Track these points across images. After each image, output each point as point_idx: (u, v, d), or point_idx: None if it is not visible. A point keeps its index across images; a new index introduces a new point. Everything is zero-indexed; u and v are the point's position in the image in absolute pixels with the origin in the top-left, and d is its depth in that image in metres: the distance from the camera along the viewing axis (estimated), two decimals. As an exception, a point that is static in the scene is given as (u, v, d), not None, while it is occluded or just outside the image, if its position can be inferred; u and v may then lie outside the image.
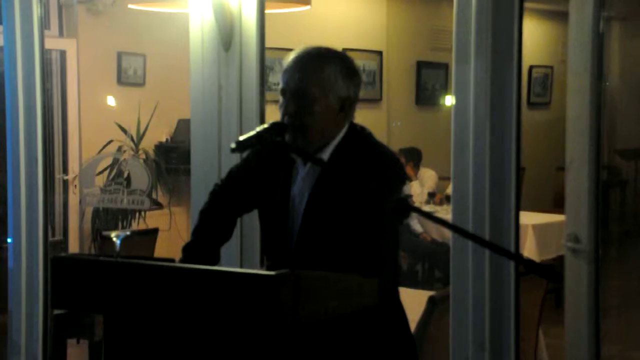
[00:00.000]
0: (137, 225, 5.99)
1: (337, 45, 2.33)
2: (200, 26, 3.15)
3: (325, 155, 2.20)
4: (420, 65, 8.55)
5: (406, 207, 1.82)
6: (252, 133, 2.12)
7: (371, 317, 2.09)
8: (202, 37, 3.15)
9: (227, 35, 3.09)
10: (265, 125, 2.15)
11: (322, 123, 2.18)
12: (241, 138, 2.11)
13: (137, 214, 5.97)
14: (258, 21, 3.07)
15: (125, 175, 4.63)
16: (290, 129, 2.16)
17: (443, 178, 7.15)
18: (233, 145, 2.10)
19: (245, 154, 2.35)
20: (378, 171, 2.13)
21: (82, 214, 6.20)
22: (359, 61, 2.30)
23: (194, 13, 3.17)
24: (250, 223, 2.98)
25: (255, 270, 2.11)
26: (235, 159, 2.67)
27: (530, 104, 9.57)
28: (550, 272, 1.74)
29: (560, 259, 5.43)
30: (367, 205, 2.05)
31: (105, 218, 6.00)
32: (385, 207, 1.89)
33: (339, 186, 2.11)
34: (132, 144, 6.13)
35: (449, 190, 7.01)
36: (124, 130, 6.05)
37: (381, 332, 2.17)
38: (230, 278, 1.87)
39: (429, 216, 1.96)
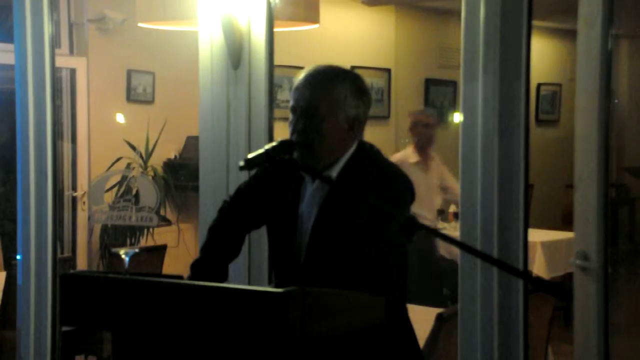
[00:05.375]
0: (145, 241, 6.00)
1: (346, 62, 2.35)
2: (209, 44, 3.17)
3: (334, 172, 2.21)
4: (429, 83, 8.57)
5: (415, 224, 1.82)
6: (260, 151, 2.13)
7: (380, 334, 2.08)
8: (211, 55, 3.17)
9: (236, 53, 3.11)
10: (274, 143, 2.16)
11: (331, 141, 2.19)
12: (250, 155, 2.12)
13: (146, 231, 5.99)
14: (267, 39, 3.09)
15: (134, 192, 4.64)
16: (299, 146, 2.17)
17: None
18: (242, 163, 2.11)
19: (253, 172, 2.36)
20: (386, 188, 2.13)
21: (90, 231, 6.22)
22: (367, 78, 2.32)
23: (203, 31, 3.20)
24: (259, 240, 2.98)
25: (264, 287, 2.12)
26: (244, 176, 2.68)
27: (539, 121, 9.56)
28: (559, 289, 1.74)
29: (569, 277, 5.41)
30: (375, 223, 2.05)
31: (113, 235, 6.01)
32: (393, 225, 1.89)
33: (347, 204, 2.11)
34: (140, 161, 6.15)
35: (453, 207, 6.95)
36: (133, 148, 6.07)
37: (390, 349, 2.17)
38: (239, 295, 1.87)
39: (437, 234, 1.96)
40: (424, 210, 5.54)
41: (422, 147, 5.67)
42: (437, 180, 5.75)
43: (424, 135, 5.68)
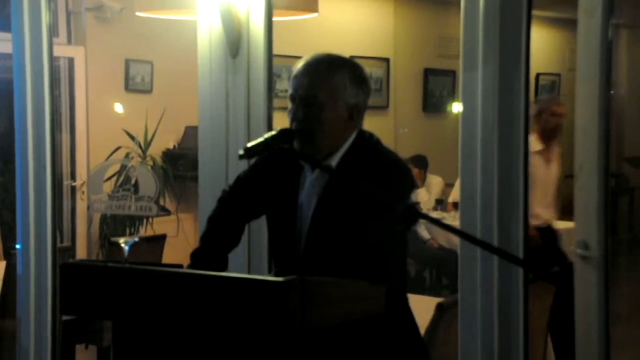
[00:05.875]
0: (144, 231, 6.00)
1: (345, 52, 2.34)
2: (208, 33, 3.17)
3: (334, 161, 2.20)
4: (427, 72, 8.56)
5: (415, 213, 1.82)
6: (260, 139, 2.12)
7: (381, 323, 2.08)
8: (209, 44, 3.16)
9: (234, 42, 3.10)
10: (273, 132, 2.16)
11: (331, 130, 2.18)
12: (249, 144, 2.11)
13: (145, 220, 5.99)
14: (266, 28, 3.08)
15: (133, 181, 4.64)
16: (299, 135, 2.17)
17: (449, 184, 7.15)
18: (241, 152, 2.10)
19: (253, 161, 2.36)
20: (386, 178, 2.13)
21: (90, 221, 6.22)
22: (366, 68, 2.31)
23: (201, 20, 3.19)
24: (258, 229, 2.98)
25: (263, 276, 2.12)
26: (243, 165, 2.67)
27: (538, 111, 9.55)
28: (559, 278, 1.74)
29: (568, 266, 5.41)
30: (375, 212, 2.05)
31: (113, 224, 6.02)
32: (393, 214, 1.89)
33: (347, 192, 2.11)
34: (139, 151, 6.15)
35: (452, 197, 6.83)
36: (132, 137, 6.07)
37: (391, 338, 2.17)
38: (239, 284, 1.87)
39: (437, 223, 1.95)
40: (538, 205, 5.02)
41: (547, 137, 5.13)
42: (558, 172, 5.27)
43: (550, 124, 5.13)
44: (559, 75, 9.73)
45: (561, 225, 6.15)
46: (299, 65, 2.21)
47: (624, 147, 9.17)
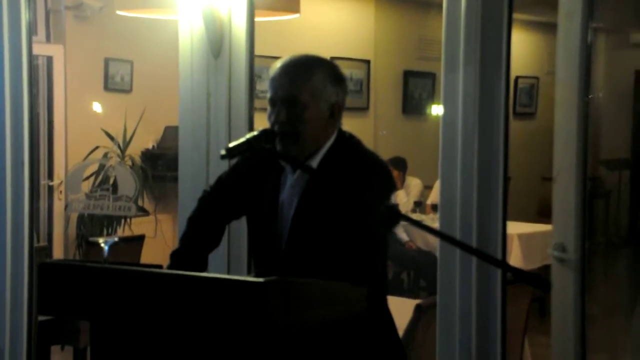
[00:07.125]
0: (122, 232, 5.96)
1: (325, 53, 2.34)
2: (189, 33, 3.16)
3: (315, 162, 2.21)
4: (408, 75, 8.58)
5: (396, 214, 1.83)
6: (241, 140, 2.12)
7: (360, 324, 2.09)
8: (191, 44, 3.15)
9: (216, 42, 3.10)
10: (255, 133, 2.15)
11: (314, 130, 2.18)
12: (231, 145, 2.10)
13: (123, 221, 5.95)
14: (247, 29, 3.08)
15: (112, 181, 4.61)
16: (282, 137, 2.17)
17: (428, 187, 7.17)
18: (223, 152, 2.10)
19: (234, 161, 2.35)
20: (367, 178, 2.13)
21: (67, 220, 6.17)
22: (347, 70, 2.32)
23: (183, 20, 3.17)
24: (238, 230, 2.97)
25: (244, 277, 2.12)
26: (223, 166, 2.67)
27: (516, 114, 9.62)
28: (538, 280, 1.75)
29: (545, 269, 5.46)
30: (356, 213, 2.05)
31: (90, 224, 5.97)
32: (374, 215, 1.90)
33: (328, 193, 2.11)
34: (118, 151, 6.11)
35: (430, 199, 6.79)
36: (111, 137, 6.03)
37: (370, 339, 2.17)
38: (219, 284, 1.86)
39: (418, 224, 1.96)
40: None
41: None
42: None
43: None
44: (537, 78, 9.79)
45: (537, 228, 6.19)
46: (276, 67, 2.21)
47: (600, 150, 9.25)
